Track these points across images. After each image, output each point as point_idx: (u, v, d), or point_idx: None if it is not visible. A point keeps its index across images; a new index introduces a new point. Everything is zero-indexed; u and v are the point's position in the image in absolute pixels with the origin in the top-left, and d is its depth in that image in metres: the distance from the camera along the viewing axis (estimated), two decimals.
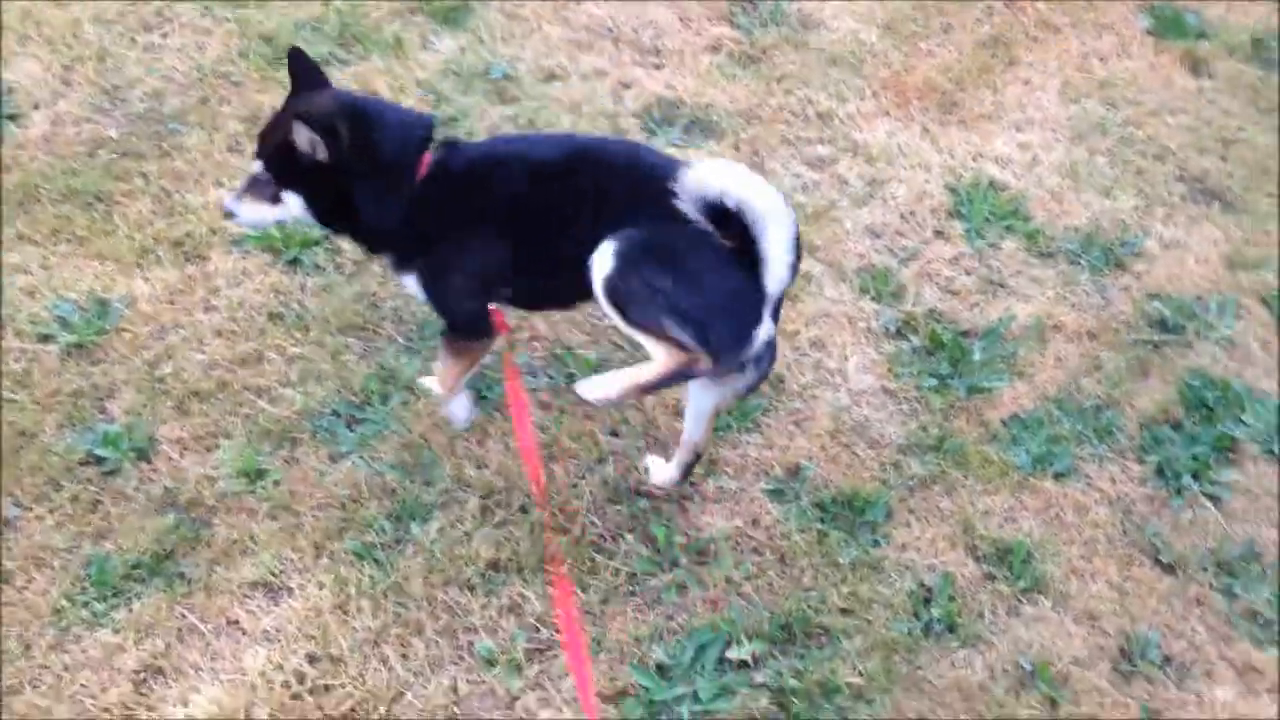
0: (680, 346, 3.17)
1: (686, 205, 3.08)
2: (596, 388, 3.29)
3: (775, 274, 3.17)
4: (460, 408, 3.98)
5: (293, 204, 3.48)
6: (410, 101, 5.20)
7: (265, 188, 3.47)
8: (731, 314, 3.22)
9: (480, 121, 5.23)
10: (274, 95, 5.05)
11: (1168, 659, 3.82)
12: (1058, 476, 4.27)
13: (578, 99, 5.46)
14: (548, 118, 5.31)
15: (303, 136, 3.27)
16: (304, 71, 3.52)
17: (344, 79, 5.25)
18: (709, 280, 3.19)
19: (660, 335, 3.17)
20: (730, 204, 3.03)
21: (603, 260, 3.21)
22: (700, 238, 3.14)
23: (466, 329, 3.66)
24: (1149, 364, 4.75)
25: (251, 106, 5.08)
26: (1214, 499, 4.29)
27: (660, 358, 3.20)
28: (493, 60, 5.60)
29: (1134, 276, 5.16)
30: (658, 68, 5.80)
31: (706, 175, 3.05)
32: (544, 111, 5.34)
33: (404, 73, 5.43)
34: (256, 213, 3.54)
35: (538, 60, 5.67)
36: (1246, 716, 3.69)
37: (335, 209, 3.48)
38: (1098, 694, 3.69)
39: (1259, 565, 4.11)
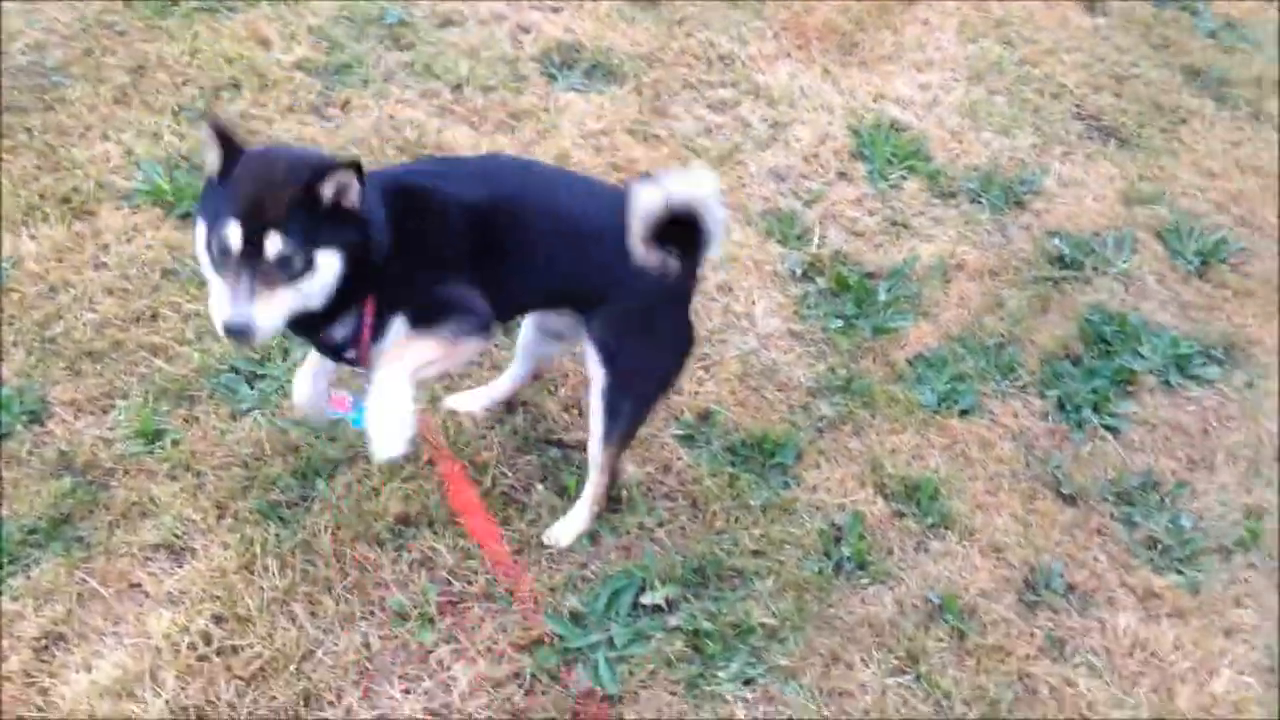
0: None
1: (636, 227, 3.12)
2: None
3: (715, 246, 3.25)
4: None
5: (329, 266, 2.88)
6: (303, 49, 5.08)
7: (284, 266, 2.79)
8: None
9: (375, 69, 5.12)
10: (161, 44, 4.91)
11: (1071, 588, 3.90)
12: (963, 413, 4.32)
13: (475, 44, 5.38)
14: (445, 64, 5.21)
15: (334, 183, 2.83)
16: (228, 139, 2.86)
17: (235, 27, 5.11)
18: None
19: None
20: (690, 209, 3.10)
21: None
22: None
23: (476, 320, 3.33)
24: (1049, 300, 4.83)
25: (137, 57, 4.93)
26: (1113, 431, 4.38)
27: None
28: (387, 5, 5.48)
29: (1033, 214, 5.23)
30: (556, 11, 5.73)
31: (667, 188, 3.07)
32: (441, 58, 5.25)
33: (295, 20, 5.30)
34: (279, 304, 2.83)
35: (434, 5, 5.57)
36: (1148, 641, 3.78)
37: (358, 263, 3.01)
38: (1004, 624, 3.75)
39: (1157, 494, 4.21)
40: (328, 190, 2.81)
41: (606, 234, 3.18)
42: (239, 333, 2.78)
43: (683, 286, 3.42)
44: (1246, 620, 3.90)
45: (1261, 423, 4.49)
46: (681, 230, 3.16)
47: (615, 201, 3.17)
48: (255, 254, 2.74)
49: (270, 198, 2.77)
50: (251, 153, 2.87)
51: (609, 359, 3.39)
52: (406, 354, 3.10)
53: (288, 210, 2.77)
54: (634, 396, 3.51)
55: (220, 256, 2.78)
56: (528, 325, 3.80)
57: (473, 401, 3.97)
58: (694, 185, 3.12)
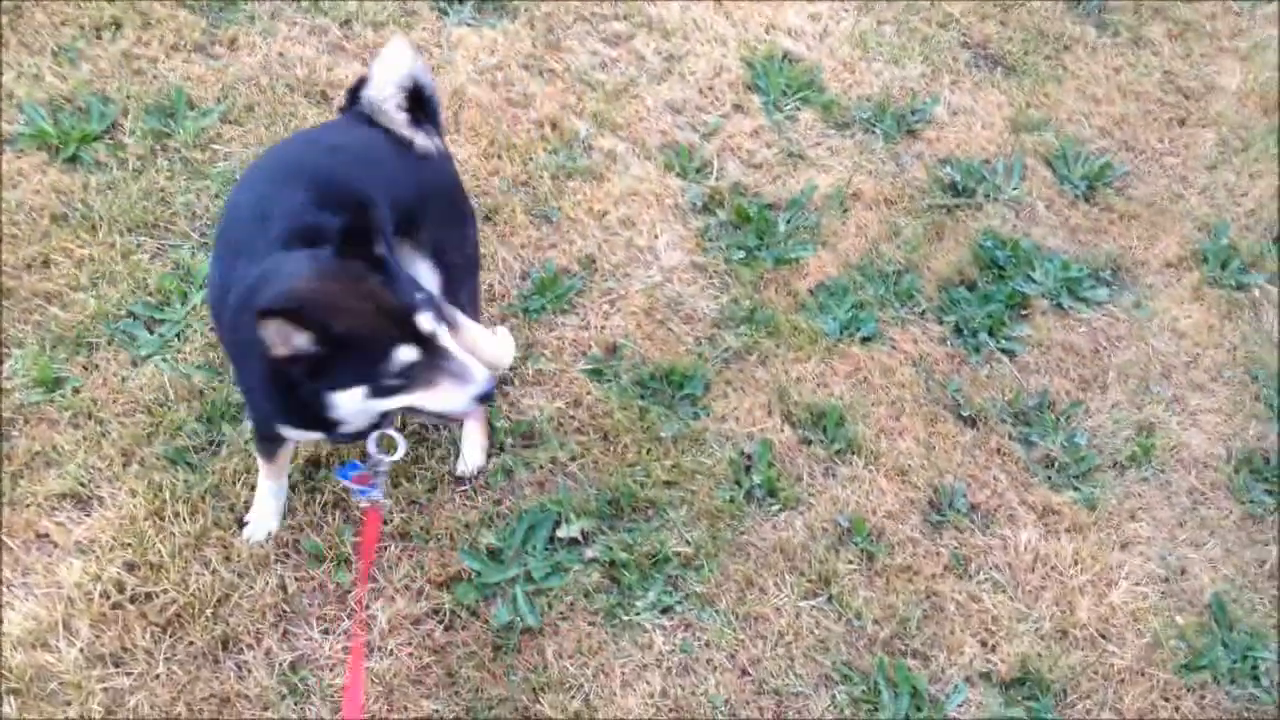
0: None
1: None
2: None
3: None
4: None
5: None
6: None
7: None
8: None
9: (260, 5, 4.98)
10: None
11: (974, 507, 4.02)
12: (864, 341, 4.40)
13: None
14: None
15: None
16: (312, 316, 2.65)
17: None
18: None
19: None
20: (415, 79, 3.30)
21: None
22: None
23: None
24: (943, 228, 4.91)
25: None
26: (1009, 354, 4.50)
27: None
28: None
29: (925, 143, 5.30)
30: None
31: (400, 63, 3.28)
32: None
33: None
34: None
35: None
36: (1048, 556, 3.92)
37: None
38: (911, 545, 3.86)
39: (1052, 414, 4.34)
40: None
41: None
42: (490, 393, 2.85)
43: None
44: (1141, 533, 4.06)
45: (1150, 341, 4.64)
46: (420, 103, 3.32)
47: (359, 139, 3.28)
48: (431, 340, 2.76)
49: (393, 291, 2.76)
50: (320, 298, 2.68)
51: (439, 262, 3.37)
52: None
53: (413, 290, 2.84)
54: (471, 280, 3.54)
55: (421, 362, 2.75)
56: None
57: None
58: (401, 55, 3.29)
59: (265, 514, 3.50)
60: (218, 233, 3.19)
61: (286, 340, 2.58)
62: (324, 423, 2.88)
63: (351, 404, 2.77)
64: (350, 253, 2.72)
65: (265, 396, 2.94)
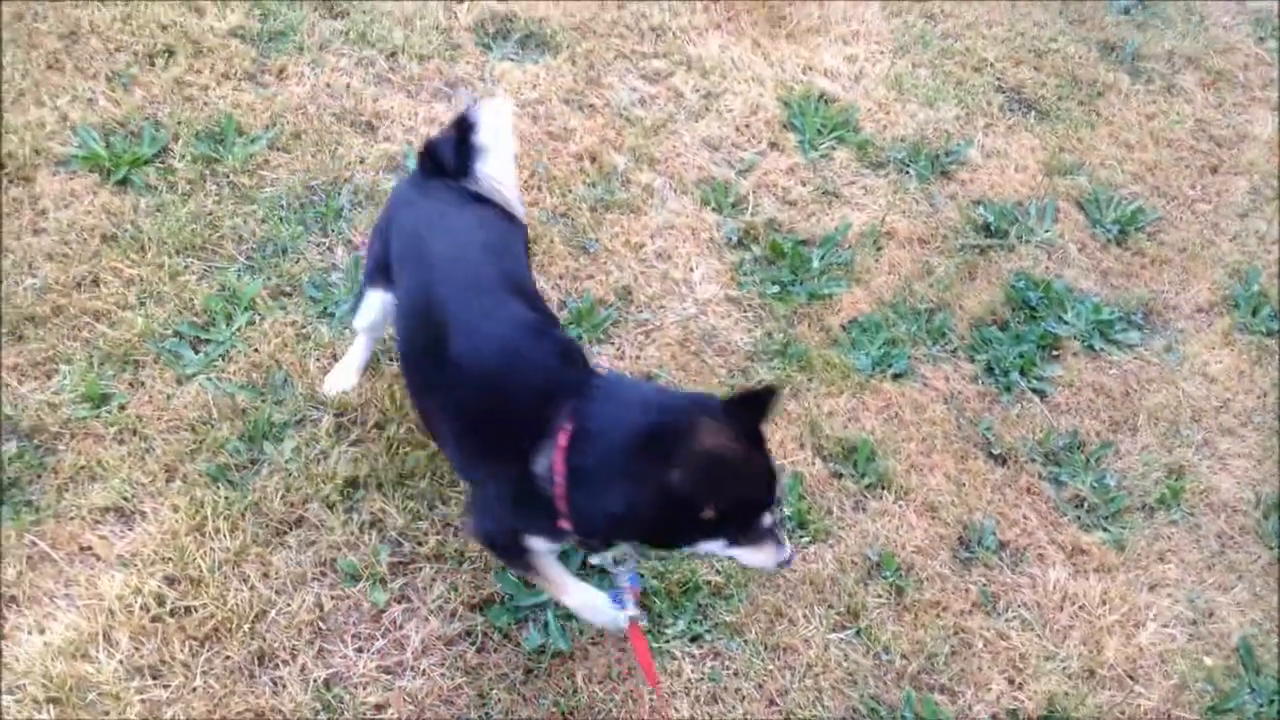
0: None
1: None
2: None
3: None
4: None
5: None
6: (237, 16, 5.04)
7: None
8: None
9: (310, 36, 5.09)
10: (93, 10, 4.85)
11: (1003, 545, 4.04)
12: (896, 377, 4.44)
13: (409, 13, 5.36)
14: (379, 32, 5.20)
15: None
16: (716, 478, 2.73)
17: None
18: None
19: None
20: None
21: None
22: None
23: None
24: (976, 268, 4.96)
25: (69, 22, 4.84)
26: (1040, 393, 4.54)
27: None
28: None
29: (959, 184, 5.36)
30: None
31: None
32: (375, 26, 5.22)
33: None
34: None
35: None
36: (1076, 595, 3.93)
37: None
38: (940, 580, 3.88)
39: (1082, 454, 4.37)
40: None
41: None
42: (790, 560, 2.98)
43: None
44: (1170, 575, 4.07)
45: (1180, 385, 4.67)
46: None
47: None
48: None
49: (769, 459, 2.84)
50: (732, 468, 2.72)
51: None
52: None
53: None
54: None
55: (771, 521, 2.86)
56: (377, 307, 3.59)
57: (346, 378, 3.93)
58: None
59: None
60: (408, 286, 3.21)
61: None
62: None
63: (704, 549, 2.85)
64: (738, 414, 2.74)
65: (534, 514, 2.91)
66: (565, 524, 2.83)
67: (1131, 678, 3.78)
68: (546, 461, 2.76)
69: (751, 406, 2.75)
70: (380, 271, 3.43)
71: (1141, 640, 3.87)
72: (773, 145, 5.29)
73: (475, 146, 3.31)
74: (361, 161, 4.61)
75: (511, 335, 2.95)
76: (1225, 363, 4.78)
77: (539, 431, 2.77)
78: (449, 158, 3.34)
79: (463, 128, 3.35)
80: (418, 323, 3.12)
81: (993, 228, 5.16)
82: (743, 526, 2.79)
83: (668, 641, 3.57)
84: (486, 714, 3.35)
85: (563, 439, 2.73)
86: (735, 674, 3.55)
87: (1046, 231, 5.19)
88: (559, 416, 2.75)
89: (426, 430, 3.39)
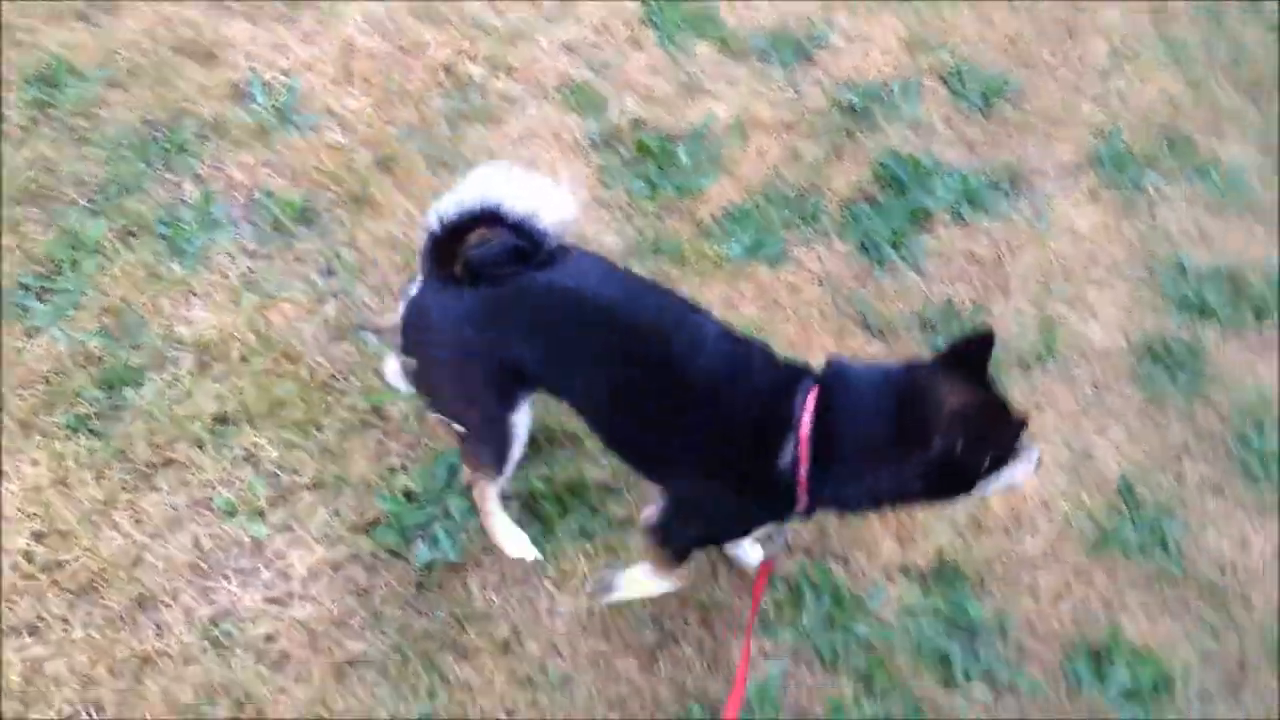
0: None
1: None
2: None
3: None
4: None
5: None
6: None
7: None
8: None
9: None
10: None
11: None
12: (770, 262, 4.43)
13: None
14: None
15: None
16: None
17: None
18: None
19: None
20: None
21: None
22: None
23: None
24: (844, 149, 4.95)
25: None
26: (913, 265, 4.55)
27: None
28: None
29: (823, 69, 5.33)
30: None
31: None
32: None
33: None
34: None
35: None
36: None
37: None
38: None
39: (957, 320, 4.41)
40: None
41: None
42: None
43: None
44: (1048, 423, 4.14)
45: (1049, 245, 4.72)
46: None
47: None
48: None
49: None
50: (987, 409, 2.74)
51: None
52: None
53: None
54: None
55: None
56: (524, 423, 3.29)
57: (525, 543, 3.66)
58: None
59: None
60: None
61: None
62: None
63: (989, 490, 2.86)
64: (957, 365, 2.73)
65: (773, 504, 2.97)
66: (801, 506, 2.89)
67: (1018, 524, 3.83)
68: (791, 453, 2.81)
69: (965, 356, 2.74)
70: (509, 393, 3.17)
71: (1025, 488, 3.92)
72: (632, 43, 5.21)
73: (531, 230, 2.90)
74: (204, 92, 4.45)
75: (723, 344, 2.95)
76: (1093, 219, 4.84)
77: (785, 427, 2.81)
78: (526, 249, 2.90)
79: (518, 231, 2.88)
80: (621, 375, 2.97)
81: (858, 108, 5.14)
82: (1010, 456, 2.81)
83: (560, 541, 3.55)
84: (382, 632, 3.31)
85: (804, 430, 2.78)
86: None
87: (912, 109, 5.19)
88: (795, 410, 2.80)
89: (642, 470, 3.26)
